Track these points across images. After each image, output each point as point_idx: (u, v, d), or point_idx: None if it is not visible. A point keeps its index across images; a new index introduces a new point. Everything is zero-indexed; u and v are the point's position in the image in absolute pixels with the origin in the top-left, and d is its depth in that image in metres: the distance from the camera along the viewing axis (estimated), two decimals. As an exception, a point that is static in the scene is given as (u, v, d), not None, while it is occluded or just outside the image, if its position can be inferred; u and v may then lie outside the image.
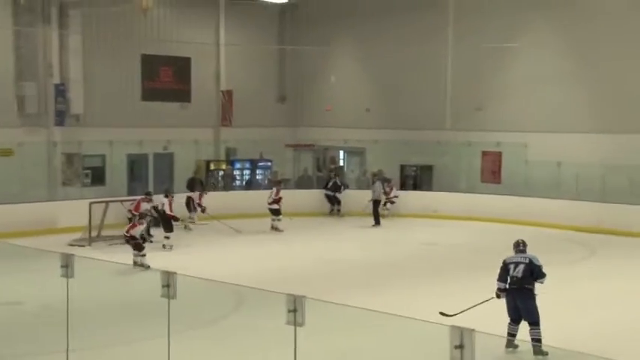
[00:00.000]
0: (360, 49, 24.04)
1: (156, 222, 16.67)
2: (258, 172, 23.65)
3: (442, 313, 9.28)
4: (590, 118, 19.29)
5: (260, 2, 23.23)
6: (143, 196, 16.95)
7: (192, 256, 15.08)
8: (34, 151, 19.79)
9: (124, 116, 21.38)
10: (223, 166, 23.08)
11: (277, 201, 18.17)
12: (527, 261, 8.70)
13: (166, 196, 16.31)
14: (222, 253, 15.79)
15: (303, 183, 23.14)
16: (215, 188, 20.25)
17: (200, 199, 18.45)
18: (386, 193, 20.29)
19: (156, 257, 13.77)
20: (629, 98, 18.62)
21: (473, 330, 4.58)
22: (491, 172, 21.17)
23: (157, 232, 16.30)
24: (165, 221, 15.98)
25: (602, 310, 10.86)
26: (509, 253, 9.08)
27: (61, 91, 20.25)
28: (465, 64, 21.49)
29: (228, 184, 22.38)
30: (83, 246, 15.72)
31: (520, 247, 8.94)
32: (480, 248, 16.29)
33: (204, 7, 23.71)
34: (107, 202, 16.92)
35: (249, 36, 24.42)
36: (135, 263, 13.40)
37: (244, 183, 23.28)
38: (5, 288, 11.66)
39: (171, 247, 15.62)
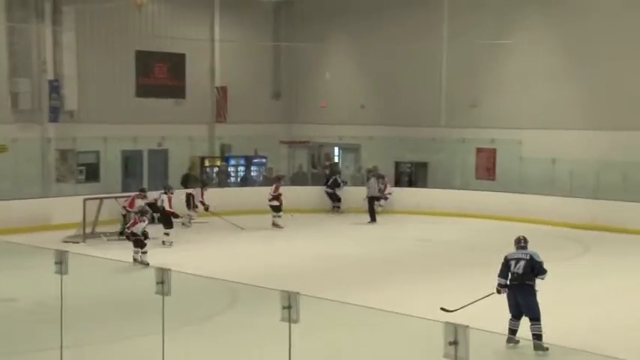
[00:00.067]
0: (355, 45, 24.02)
1: (150, 219, 16.61)
2: (252, 168, 23.63)
3: (443, 309, 9.33)
4: (584, 115, 19.33)
5: (255, -2, 23.23)
6: (137, 193, 16.93)
7: (191, 252, 15.07)
8: (28, 147, 19.72)
9: (119, 112, 21.33)
10: (218, 163, 23.06)
11: (277, 197, 18.16)
12: (527, 257, 8.77)
13: (165, 193, 16.26)
14: (222, 249, 15.78)
15: (297, 180, 23.13)
16: (208, 185, 20.15)
17: (202, 196, 18.45)
18: (381, 190, 20.30)
19: (155, 254, 13.72)
20: (623, 95, 18.67)
21: (467, 326, 4.59)
22: (486, 168, 21.20)
23: (152, 229, 16.23)
24: (165, 218, 15.92)
25: (597, 307, 10.90)
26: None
27: (55, 88, 20.19)
28: (460, 61, 21.50)
29: (222, 180, 22.36)
30: (77, 242, 15.69)
31: (521, 243, 9.00)
32: (475, 245, 16.34)
33: (199, 4, 23.65)
34: (101, 199, 16.91)
35: (244, 32, 24.37)
36: (135, 260, 13.36)
37: (239, 179, 23.26)
38: (-1, 285, 11.63)
39: (170, 243, 15.61)
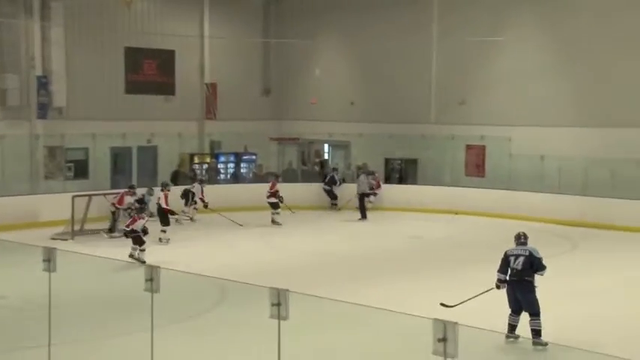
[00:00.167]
0: (345, 42, 24.01)
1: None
2: (242, 165, 23.58)
3: (443, 304, 9.36)
4: (573, 112, 19.42)
5: (244, -5, 23.17)
6: (126, 190, 16.87)
7: (187, 249, 15.04)
8: (16, 144, 19.59)
9: (108, 109, 21.22)
10: (208, 160, 23.00)
11: (274, 194, 18.16)
12: (527, 253, 8.84)
13: (162, 190, 16.17)
14: (218, 246, 15.76)
15: (287, 177, 23.09)
16: (194, 181, 20.11)
17: (202, 193, 18.43)
18: (372, 187, 20.36)
19: (152, 251, 13.67)
20: (611, 92, 18.75)
21: (456, 323, 4.59)
22: (476, 165, 21.26)
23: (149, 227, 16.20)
24: (162, 215, 15.84)
25: (585, 303, 10.95)
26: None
27: (43, 84, 20.07)
28: (450, 58, 21.53)
29: (212, 177, 22.30)
30: (66, 240, 15.61)
31: (521, 239, 9.07)
32: (465, 241, 16.43)
33: (189, 0, 23.56)
34: (90, 196, 16.82)
35: (233, 29, 24.31)
36: (131, 256, 13.29)
37: (229, 176, 23.21)
38: (-13, 282, 11.56)
39: (167, 240, 15.57)
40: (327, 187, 20.80)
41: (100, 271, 12.53)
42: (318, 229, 18.14)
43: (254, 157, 23.64)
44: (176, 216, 16.94)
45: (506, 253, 8.97)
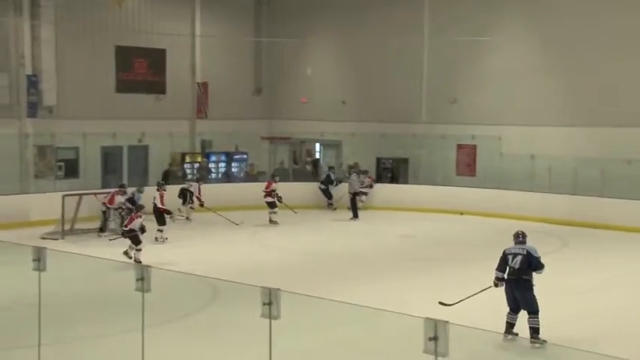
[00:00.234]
0: (336, 41, 24.02)
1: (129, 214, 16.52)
2: (233, 164, 23.55)
3: (441, 303, 9.40)
4: (563, 111, 19.51)
5: (236, -6, 23.12)
6: (117, 189, 16.82)
7: (183, 249, 15.04)
8: (6, 143, 19.48)
9: (98, 108, 21.14)
10: (199, 159, 22.95)
11: (269, 194, 18.14)
12: (524, 252, 8.91)
13: (158, 190, 16.12)
14: (214, 245, 15.77)
15: (279, 176, 23.04)
16: (202, 180, 20.08)
17: (199, 191, 18.38)
18: (370, 186, 20.42)
19: (148, 251, 13.61)
20: (600, 92, 18.85)
21: (447, 322, 4.61)
22: (467, 164, 21.32)
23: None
24: (158, 215, 15.79)
25: (574, 301, 11.01)
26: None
27: (33, 83, 19.97)
28: (441, 58, 21.58)
29: (203, 176, 22.25)
30: (56, 239, 15.56)
31: (519, 238, 9.14)
32: (457, 240, 16.46)
33: (180, -2, 23.53)
34: (81, 195, 16.76)
35: (224, 28, 24.26)
36: (126, 253, 13.24)
37: (220, 176, 23.17)
38: (-24, 282, 11.50)
39: (164, 240, 15.52)
40: (323, 187, 20.80)
41: (91, 270, 12.46)
42: (311, 228, 18.13)
43: (245, 156, 23.61)
44: (171, 215, 16.90)
45: (504, 251, 9.04)
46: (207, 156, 23.16)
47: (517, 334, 8.76)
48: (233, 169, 23.48)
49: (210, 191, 19.26)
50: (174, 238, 15.81)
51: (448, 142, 21.40)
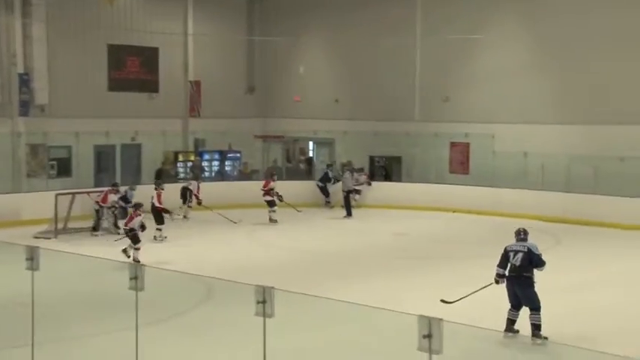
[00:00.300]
0: (329, 40, 24.01)
1: (123, 214, 16.47)
2: (227, 163, 23.53)
3: (443, 300, 9.42)
4: (555, 109, 19.57)
5: (228, -8, 23.08)
6: (110, 188, 16.78)
7: (180, 248, 15.02)
8: (-2, 142, 19.45)
9: (91, 107, 21.07)
10: (192, 157, 22.92)
11: (268, 192, 18.12)
12: (525, 249, 8.95)
13: (156, 189, 16.06)
14: (210, 244, 15.74)
15: (276, 175, 23.03)
16: (200, 178, 20.07)
17: (198, 190, 18.36)
18: (368, 184, 20.42)
19: (146, 249, 13.56)
20: (593, 90, 18.90)
21: (441, 319, 4.61)
22: (460, 162, 21.36)
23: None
24: (156, 214, 15.73)
25: (567, 298, 11.03)
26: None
27: (25, 81, 19.89)
28: (433, 56, 21.60)
29: (197, 175, 22.22)
30: (49, 238, 15.51)
31: (521, 235, 9.19)
32: (450, 238, 16.50)
33: (172, -3, 23.47)
34: (73, 194, 16.71)
35: (217, 26, 24.22)
36: (125, 252, 13.20)
37: (213, 174, 23.14)
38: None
39: (163, 239, 15.49)
40: (320, 184, 20.79)
41: (84, 269, 12.42)
42: (304, 226, 18.14)
43: (238, 155, 23.59)
44: (170, 214, 16.86)
45: (505, 248, 9.08)
46: (200, 154, 23.13)
47: (518, 331, 8.80)
48: (226, 168, 23.46)
49: (205, 190, 19.25)
50: (173, 237, 15.79)
51: (441, 140, 21.42)
